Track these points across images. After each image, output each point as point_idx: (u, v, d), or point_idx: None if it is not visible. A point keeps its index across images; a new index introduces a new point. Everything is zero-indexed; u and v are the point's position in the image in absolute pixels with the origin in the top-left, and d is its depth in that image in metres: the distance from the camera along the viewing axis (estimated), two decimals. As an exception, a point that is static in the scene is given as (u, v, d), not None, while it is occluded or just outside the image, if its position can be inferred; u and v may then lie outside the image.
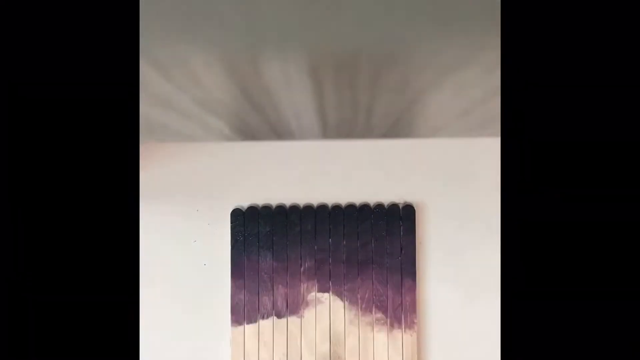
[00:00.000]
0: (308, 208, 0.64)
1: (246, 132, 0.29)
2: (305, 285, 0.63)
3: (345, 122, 0.27)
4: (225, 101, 0.23)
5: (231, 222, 0.64)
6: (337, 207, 0.64)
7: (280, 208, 0.64)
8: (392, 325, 0.63)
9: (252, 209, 0.64)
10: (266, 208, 0.64)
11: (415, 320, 0.63)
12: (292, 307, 0.63)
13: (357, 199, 0.64)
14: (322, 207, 0.64)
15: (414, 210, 0.63)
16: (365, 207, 0.64)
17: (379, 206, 0.64)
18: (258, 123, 0.27)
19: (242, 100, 0.23)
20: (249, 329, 0.63)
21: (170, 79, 0.21)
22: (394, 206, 0.64)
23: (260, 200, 0.65)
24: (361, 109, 0.24)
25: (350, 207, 0.64)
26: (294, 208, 0.64)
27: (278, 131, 0.30)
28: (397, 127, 0.28)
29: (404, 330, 0.63)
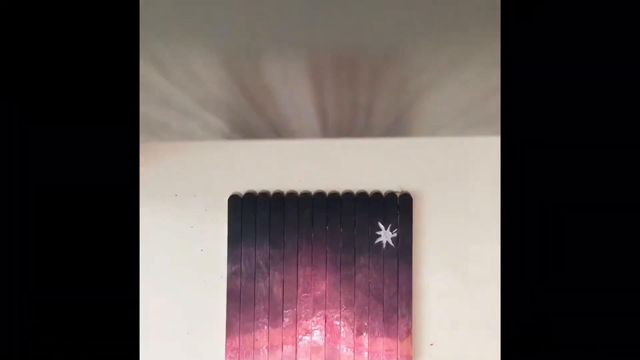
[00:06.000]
0: (305, 195, 0.64)
1: (246, 131, 0.29)
2: (301, 272, 0.63)
3: (345, 121, 0.27)
4: (225, 100, 0.23)
5: (228, 208, 0.64)
6: (334, 195, 0.64)
7: (278, 195, 0.64)
8: (388, 313, 0.63)
9: (250, 195, 0.64)
10: (264, 195, 0.64)
11: (411, 309, 0.63)
12: (288, 293, 0.63)
13: (355, 187, 0.64)
14: (320, 195, 0.64)
15: (412, 199, 0.63)
16: (362, 195, 0.64)
17: (376, 194, 0.64)
18: (258, 122, 0.27)
19: (242, 99, 0.23)
20: (245, 314, 0.63)
21: (170, 79, 0.21)
22: (391, 195, 0.63)
23: (257, 187, 0.65)
24: (361, 108, 0.24)
25: (348, 195, 0.64)
26: (292, 195, 0.64)
27: (278, 130, 0.30)
28: (397, 126, 0.29)
29: (400, 318, 0.63)
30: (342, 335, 0.63)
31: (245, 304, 0.63)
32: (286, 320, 0.63)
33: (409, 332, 0.63)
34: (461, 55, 0.18)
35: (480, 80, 0.21)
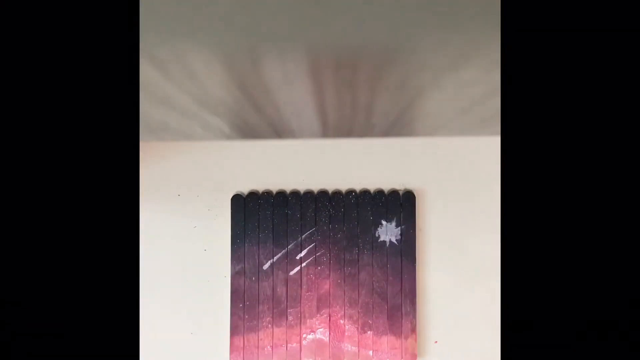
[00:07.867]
0: (308, 194, 0.64)
1: (246, 131, 0.29)
2: (305, 270, 0.63)
3: (345, 121, 0.27)
4: (225, 100, 0.23)
5: (231, 208, 0.64)
6: (337, 193, 0.64)
7: (281, 194, 0.64)
8: (392, 311, 0.63)
9: (253, 194, 0.64)
10: (267, 194, 0.64)
11: (415, 307, 0.63)
12: (292, 292, 0.64)
13: (358, 186, 0.65)
14: (323, 194, 0.64)
15: (414, 197, 0.63)
16: (365, 193, 0.64)
17: (379, 192, 0.64)
18: (258, 122, 0.27)
19: (242, 99, 0.23)
20: (249, 313, 0.63)
21: (170, 78, 0.21)
22: (394, 192, 0.64)
23: (260, 187, 0.65)
24: (361, 108, 0.24)
25: (351, 193, 0.64)
26: (295, 194, 0.64)
27: (278, 130, 0.30)
28: (397, 125, 0.28)
29: (404, 316, 0.63)
30: (346, 333, 0.63)
31: (249, 303, 0.63)
32: (290, 319, 0.64)
33: (413, 330, 0.63)
34: (461, 55, 0.18)
35: (480, 80, 0.21)
